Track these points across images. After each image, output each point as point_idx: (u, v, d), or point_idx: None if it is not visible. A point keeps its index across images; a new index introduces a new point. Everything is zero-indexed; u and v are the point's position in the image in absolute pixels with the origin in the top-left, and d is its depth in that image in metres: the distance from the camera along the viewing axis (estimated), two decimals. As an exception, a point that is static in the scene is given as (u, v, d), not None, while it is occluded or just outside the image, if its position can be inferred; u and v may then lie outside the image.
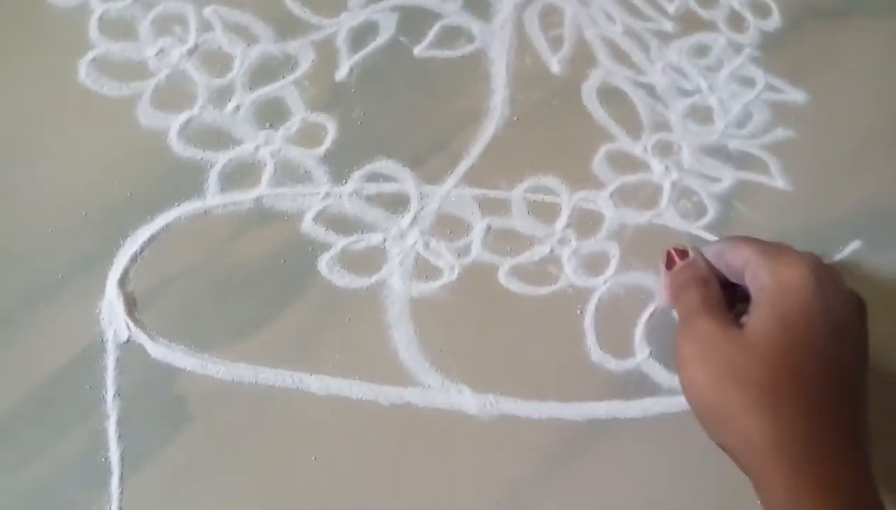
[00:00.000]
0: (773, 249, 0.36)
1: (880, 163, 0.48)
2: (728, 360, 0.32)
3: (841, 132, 0.49)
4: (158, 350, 0.38)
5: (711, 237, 0.45)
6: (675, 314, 0.40)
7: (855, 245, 0.46)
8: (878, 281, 0.46)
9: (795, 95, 0.50)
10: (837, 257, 0.45)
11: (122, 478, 0.36)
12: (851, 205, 0.47)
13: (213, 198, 0.41)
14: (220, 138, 0.43)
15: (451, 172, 0.44)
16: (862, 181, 0.48)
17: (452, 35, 0.47)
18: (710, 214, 0.46)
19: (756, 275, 0.35)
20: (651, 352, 0.42)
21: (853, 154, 0.49)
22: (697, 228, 0.45)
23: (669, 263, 0.41)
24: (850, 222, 0.46)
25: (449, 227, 0.43)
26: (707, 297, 0.36)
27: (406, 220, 0.43)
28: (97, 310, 0.39)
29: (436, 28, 0.47)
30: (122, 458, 0.37)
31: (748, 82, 0.50)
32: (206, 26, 0.45)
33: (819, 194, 0.47)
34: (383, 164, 0.44)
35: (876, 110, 0.50)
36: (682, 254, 0.40)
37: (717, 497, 0.40)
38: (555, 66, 0.48)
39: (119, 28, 0.45)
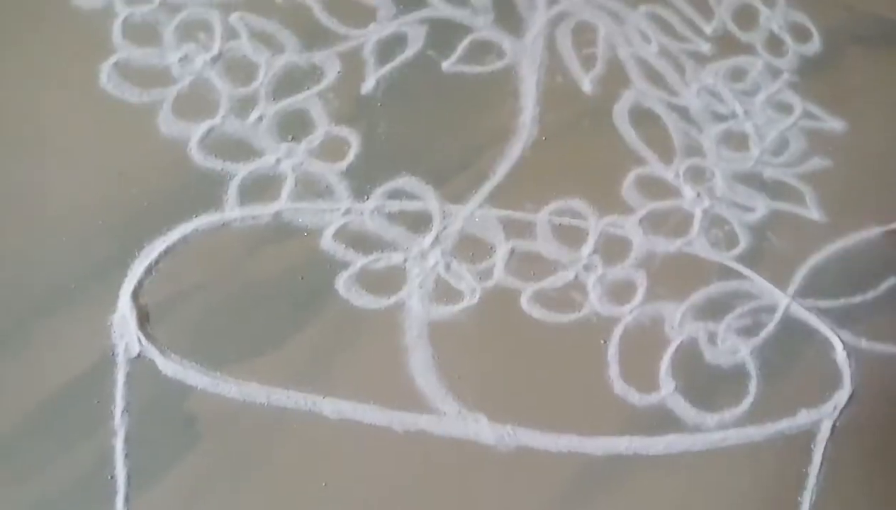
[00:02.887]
0: None
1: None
2: None
3: (879, 163, 0.47)
4: (170, 366, 0.37)
5: (742, 268, 0.43)
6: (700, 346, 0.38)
7: (891, 281, 0.44)
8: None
9: (833, 124, 0.48)
10: (871, 295, 0.44)
11: (127, 498, 0.35)
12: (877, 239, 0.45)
13: (231, 210, 0.40)
14: (241, 149, 0.42)
15: (476, 192, 0.43)
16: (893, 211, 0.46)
17: (482, 50, 0.46)
18: (742, 244, 0.44)
19: None
20: (676, 386, 0.40)
21: (891, 186, 0.47)
22: (728, 258, 0.44)
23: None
24: (886, 256, 0.44)
25: (471, 248, 0.42)
26: None
27: (428, 239, 0.41)
28: (109, 323, 0.38)
29: (465, 42, 0.46)
30: (128, 477, 0.36)
31: (785, 108, 0.48)
32: (231, 33, 0.44)
33: (855, 227, 0.45)
34: (406, 181, 0.42)
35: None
36: None
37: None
38: (586, 85, 0.47)
39: (143, 33, 0.44)
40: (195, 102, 0.42)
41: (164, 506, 0.36)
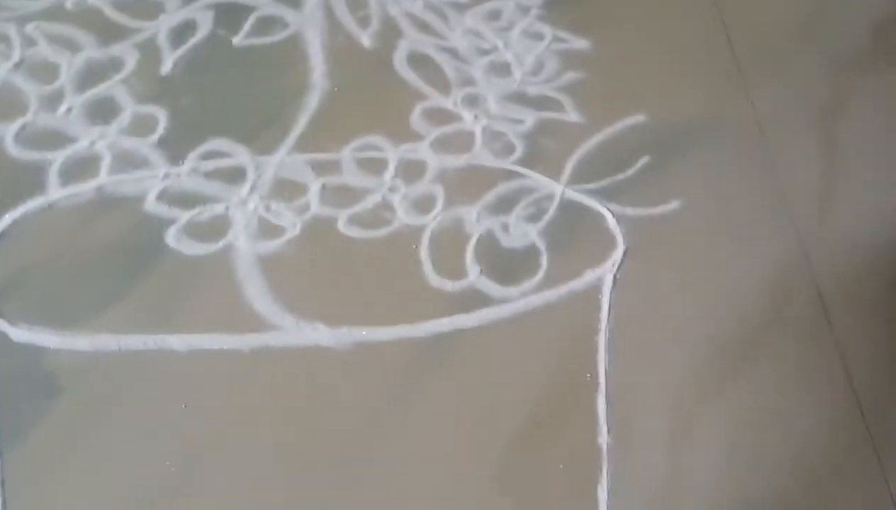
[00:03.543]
0: None
1: (656, 89, 0.56)
2: None
3: (619, 69, 0.57)
4: (20, 333, 0.40)
5: (522, 169, 0.51)
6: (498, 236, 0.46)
7: (644, 160, 0.53)
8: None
9: (580, 43, 0.57)
10: (630, 172, 0.53)
11: (0, 456, 0.38)
12: (637, 128, 0.54)
13: (55, 192, 0.44)
14: (56, 138, 0.45)
15: (283, 142, 0.48)
16: (643, 107, 0.55)
17: (268, 24, 0.52)
18: (519, 151, 0.52)
19: None
20: (481, 271, 0.47)
21: (633, 86, 0.56)
22: (509, 163, 0.51)
23: None
24: (638, 142, 0.54)
25: (287, 190, 0.47)
26: None
27: (245, 188, 0.46)
28: (-46, 308, 0.40)
29: (251, 19, 0.52)
30: (-3, 437, 0.38)
31: (538, 37, 0.57)
32: (29, 41, 0.48)
33: (608, 122, 0.54)
34: (217, 143, 0.47)
35: (648, 50, 0.58)
36: None
37: (550, 387, 0.45)
38: (366, 41, 0.53)
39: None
40: (5, 105, 0.46)
41: (38, 458, 0.38)
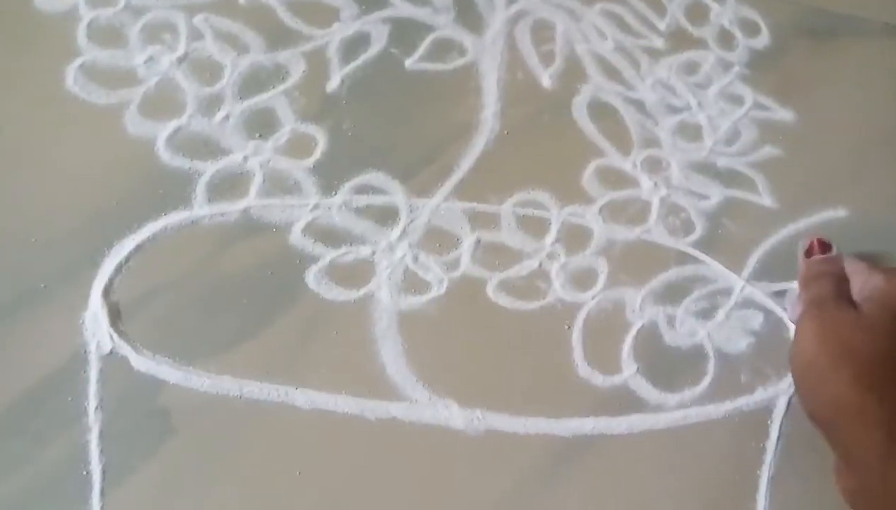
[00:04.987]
0: (880, 266, 0.41)
1: (864, 181, 0.49)
2: (844, 337, 0.36)
3: (826, 151, 0.49)
4: (142, 362, 0.38)
5: (699, 253, 0.45)
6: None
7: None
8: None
9: (783, 114, 0.50)
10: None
11: (103, 492, 0.36)
12: (836, 223, 0.47)
13: (200, 208, 0.41)
14: (208, 148, 0.42)
15: (441, 185, 0.44)
16: (846, 199, 0.48)
17: (444, 48, 0.47)
18: (699, 231, 0.46)
19: (869, 279, 0.39)
20: (638, 369, 0.42)
21: (838, 172, 0.49)
22: (686, 245, 0.45)
23: (809, 252, 0.43)
24: (836, 240, 0.46)
25: (438, 240, 0.43)
26: (841, 291, 0.39)
27: (395, 232, 0.42)
28: (80, 321, 0.38)
29: (427, 41, 0.47)
30: (103, 472, 0.36)
31: (737, 100, 0.50)
32: (196, 34, 0.45)
33: (805, 212, 0.47)
34: (373, 176, 0.43)
35: (860, 129, 0.50)
36: (825, 246, 0.42)
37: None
38: (546, 81, 0.48)
39: (108, 35, 0.44)
40: (162, 102, 0.43)
41: (140, 500, 0.36)
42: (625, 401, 0.41)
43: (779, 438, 0.41)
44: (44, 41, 0.44)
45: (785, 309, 0.44)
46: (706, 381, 0.42)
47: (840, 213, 0.47)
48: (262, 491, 0.37)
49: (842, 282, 0.40)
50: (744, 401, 0.42)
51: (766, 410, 0.42)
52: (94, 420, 0.37)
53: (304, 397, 0.38)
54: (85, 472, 0.36)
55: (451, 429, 0.39)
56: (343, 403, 0.38)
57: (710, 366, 0.42)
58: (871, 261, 0.42)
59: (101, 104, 0.43)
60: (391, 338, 0.40)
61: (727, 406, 0.42)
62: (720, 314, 0.43)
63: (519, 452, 0.39)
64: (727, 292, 0.44)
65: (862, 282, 0.40)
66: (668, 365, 0.42)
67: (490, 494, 0.38)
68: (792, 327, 0.43)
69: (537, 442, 0.40)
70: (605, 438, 0.40)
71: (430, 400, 0.39)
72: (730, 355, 0.43)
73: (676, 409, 0.41)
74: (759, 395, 0.42)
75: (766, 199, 0.47)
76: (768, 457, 0.41)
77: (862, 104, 0.51)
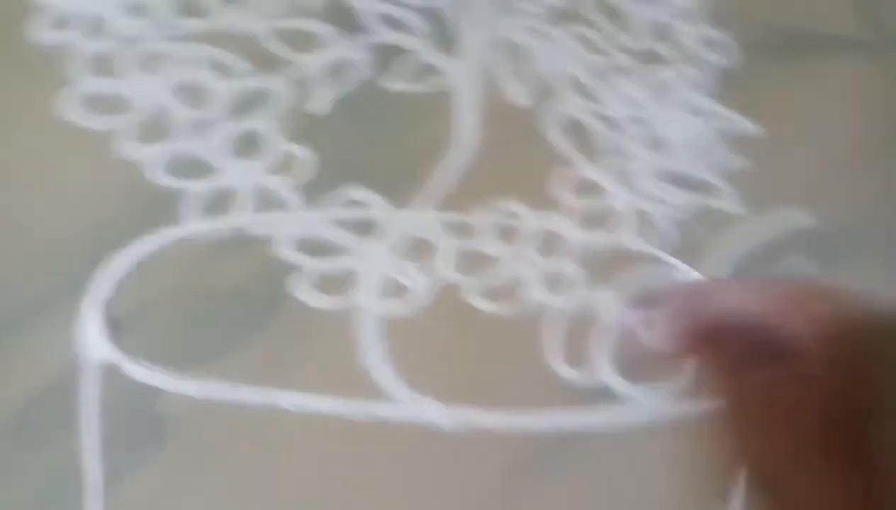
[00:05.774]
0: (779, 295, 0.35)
1: (831, 189, 0.51)
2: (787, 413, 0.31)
3: (792, 161, 0.52)
4: (137, 371, 0.39)
5: (670, 258, 0.47)
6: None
7: (800, 265, 0.48)
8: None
9: (751, 128, 0.52)
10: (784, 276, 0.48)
11: (99, 501, 0.37)
12: (800, 228, 0.49)
13: (190, 225, 0.43)
14: (198, 168, 0.45)
15: (421, 198, 0.46)
16: (813, 206, 0.50)
17: (422, 70, 0.50)
18: (668, 237, 0.48)
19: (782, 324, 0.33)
20: (614, 365, 0.43)
21: (805, 182, 0.51)
22: (658, 250, 0.47)
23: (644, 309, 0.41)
24: (798, 244, 0.48)
25: (418, 249, 0.45)
26: (728, 349, 0.35)
27: (377, 243, 0.44)
28: (75, 334, 0.40)
29: (408, 63, 0.50)
30: (99, 480, 0.37)
31: (706, 114, 0.52)
32: (187, 63, 0.48)
33: (774, 219, 0.49)
34: (355, 192, 0.46)
35: (828, 141, 0.53)
36: (648, 300, 0.41)
37: (680, 501, 0.41)
38: (520, 99, 0.51)
39: (101, 64, 0.47)
40: (153, 126, 0.45)
41: (138, 505, 0.37)
42: (603, 397, 0.43)
43: (753, 431, 0.43)
44: (38, 69, 0.46)
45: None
46: (683, 379, 0.44)
47: (804, 217, 0.50)
48: (254, 489, 0.38)
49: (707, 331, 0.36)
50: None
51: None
52: (89, 429, 0.38)
53: (291, 400, 0.40)
54: (81, 481, 0.37)
55: (436, 428, 0.41)
56: (329, 404, 0.40)
57: (687, 364, 0.44)
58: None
59: (95, 129, 0.45)
60: (375, 342, 0.42)
61: (703, 401, 0.43)
62: (692, 314, 0.45)
63: (502, 448, 0.41)
64: (698, 293, 0.46)
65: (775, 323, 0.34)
66: (646, 364, 0.44)
67: (475, 489, 0.40)
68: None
69: (519, 438, 0.41)
70: (584, 434, 0.42)
71: (414, 399, 0.41)
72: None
73: (654, 403, 0.43)
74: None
75: (733, 206, 0.49)
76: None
77: (830, 117, 0.54)
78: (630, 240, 0.47)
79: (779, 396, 0.32)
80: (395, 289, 0.43)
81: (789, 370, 0.32)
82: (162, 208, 0.43)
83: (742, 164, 0.51)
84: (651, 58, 0.54)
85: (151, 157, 0.44)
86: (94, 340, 0.40)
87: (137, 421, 0.39)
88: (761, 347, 0.35)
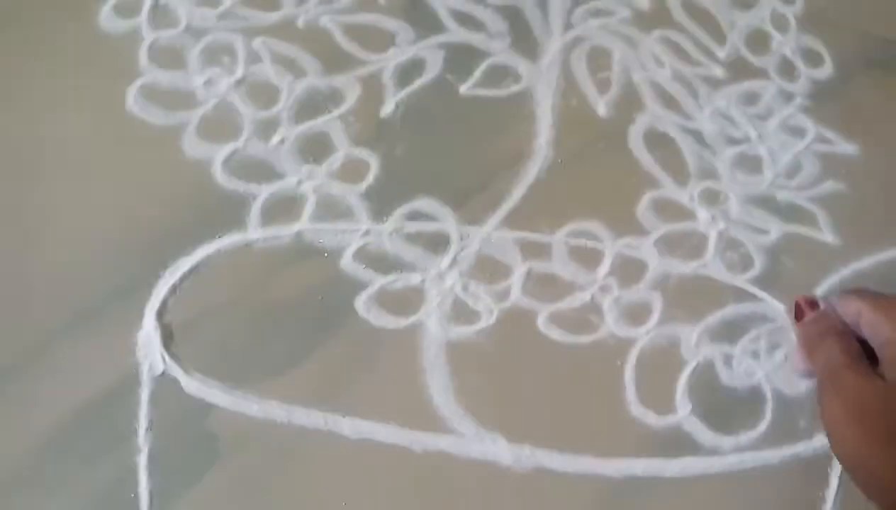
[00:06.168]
0: (885, 302, 0.37)
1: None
2: (881, 417, 0.33)
3: (891, 186, 0.48)
4: (193, 385, 0.38)
5: (757, 290, 0.43)
6: (722, 369, 0.39)
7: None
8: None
9: (846, 147, 0.48)
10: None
11: (151, 522, 0.36)
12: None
13: (254, 231, 0.41)
14: (263, 171, 0.43)
15: (493, 214, 0.43)
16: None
17: (499, 74, 0.47)
18: (757, 267, 0.44)
19: (876, 330, 0.36)
20: (692, 409, 0.40)
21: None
22: (743, 281, 0.44)
23: (799, 315, 0.41)
24: (898, 279, 0.45)
25: (488, 269, 0.42)
26: (848, 349, 0.36)
27: (445, 260, 0.42)
28: (133, 342, 0.39)
29: (482, 66, 0.47)
30: (151, 495, 0.36)
31: (798, 132, 0.49)
32: (254, 58, 0.45)
33: (868, 250, 0.46)
34: (425, 203, 0.43)
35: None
36: (812, 304, 0.40)
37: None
38: (601, 109, 0.47)
39: (168, 56, 0.45)
40: (219, 125, 0.43)
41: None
42: (678, 443, 0.40)
43: (839, 487, 0.40)
44: (106, 61, 0.44)
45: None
46: (763, 425, 0.41)
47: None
48: (307, 520, 0.37)
49: (844, 337, 0.37)
50: (802, 447, 0.40)
51: (825, 457, 0.40)
52: (143, 442, 0.37)
53: (350, 426, 0.38)
54: (133, 495, 0.36)
55: (499, 465, 0.38)
56: (389, 434, 0.38)
57: (768, 409, 0.41)
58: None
59: (160, 125, 0.43)
60: (439, 368, 0.40)
61: (785, 451, 0.40)
62: (779, 355, 0.42)
63: (566, 492, 0.38)
64: (787, 332, 0.43)
65: (870, 330, 0.36)
66: (725, 406, 0.41)
67: (537, 533, 0.38)
68: (806, 384, 0.41)
69: (586, 482, 0.39)
70: (656, 481, 0.39)
71: (478, 434, 0.38)
72: (788, 398, 0.41)
73: (732, 453, 0.40)
74: (819, 441, 0.40)
75: (827, 236, 0.46)
76: (827, 506, 0.39)
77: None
78: (717, 270, 0.44)
79: (868, 392, 0.34)
80: (464, 313, 0.41)
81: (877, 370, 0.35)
82: (226, 212, 0.41)
83: (836, 187, 0.47)
84: (744, 68, 0.50)
85: (216, 157, 0.43)
86: (151, 350, 0.38)
87: (189, 437, 0.37)
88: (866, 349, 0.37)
